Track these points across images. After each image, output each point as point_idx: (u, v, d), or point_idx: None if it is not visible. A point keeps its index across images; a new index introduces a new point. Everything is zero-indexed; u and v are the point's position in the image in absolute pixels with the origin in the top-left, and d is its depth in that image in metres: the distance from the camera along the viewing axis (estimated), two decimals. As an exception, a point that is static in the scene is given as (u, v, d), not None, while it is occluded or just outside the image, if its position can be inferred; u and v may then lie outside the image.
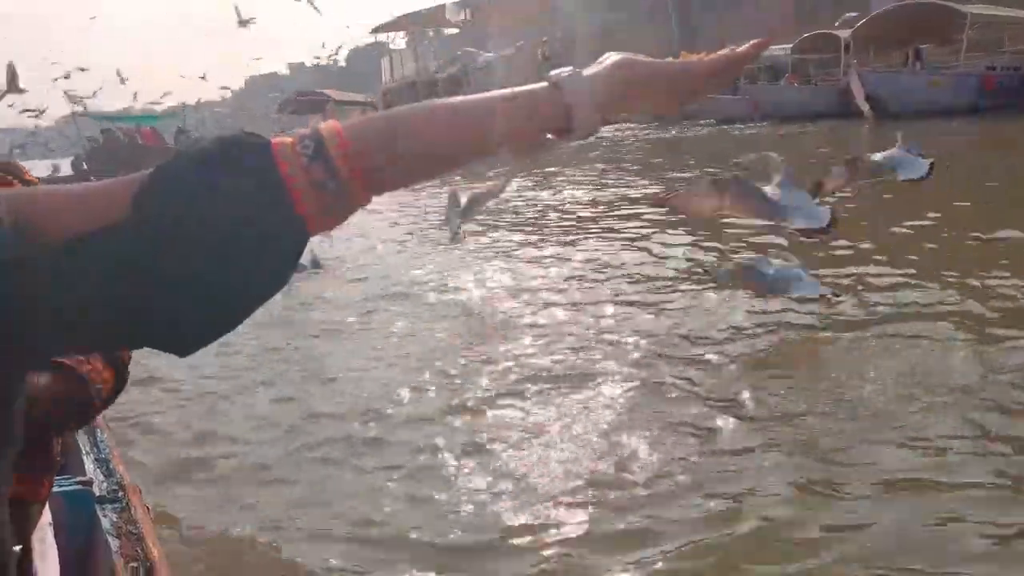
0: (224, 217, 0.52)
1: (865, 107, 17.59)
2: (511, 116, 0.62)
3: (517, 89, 0.64)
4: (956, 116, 15.53)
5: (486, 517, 2.66)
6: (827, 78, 23.25)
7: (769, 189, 3.63)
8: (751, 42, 0.71)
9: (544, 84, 0.64)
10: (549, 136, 0.65)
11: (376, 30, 31.62)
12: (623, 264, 6.14)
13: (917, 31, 19.14)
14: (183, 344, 0.56)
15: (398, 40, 33.97)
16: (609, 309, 4.99)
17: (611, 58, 0.67)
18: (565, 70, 0.65)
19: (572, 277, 5.92)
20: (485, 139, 0.62)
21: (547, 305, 5.24)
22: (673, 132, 23.47)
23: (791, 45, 23.54)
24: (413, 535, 2.58)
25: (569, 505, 2.69)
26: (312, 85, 46.44)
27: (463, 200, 5.52)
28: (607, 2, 55.75)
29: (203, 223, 0.52)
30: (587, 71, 0.66)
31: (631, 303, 5.06)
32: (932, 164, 3.86)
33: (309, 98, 31.05)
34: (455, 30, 42.91)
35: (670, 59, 0.70)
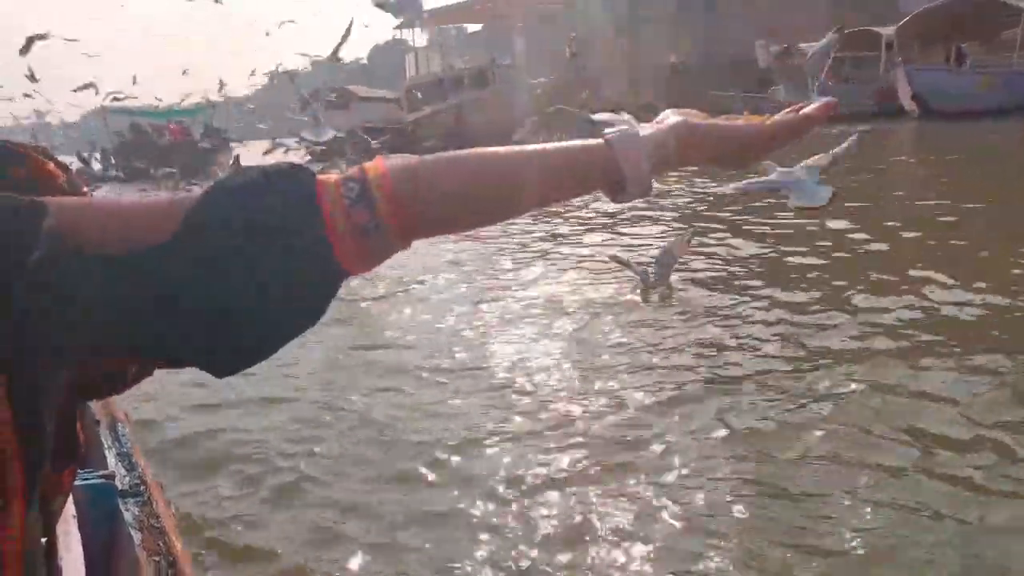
0: (264, 252, 0.52)
1: (911, 106, 16.91)
2: (561, 171, 0.62)
3: (568, 144, 0.63)
4: (1010, 116, 14.84)
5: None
6: (865, 77, 22.58)
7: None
8: (818, 103, 0.68)
9: (598, 141, 0.62)
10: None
11: (400, 26, 31.22)
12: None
13: (963, 28, 18.45)
14: (216, 369, 0.56)
15: (419, 38, 33.65)
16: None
17: (669, 118, 0.65)
18: (620, 127, 0.63)
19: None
20: (533, 191, 0.61)
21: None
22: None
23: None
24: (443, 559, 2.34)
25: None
26: (333, 82, 46.23)
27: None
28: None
29: (243, 257, 0.52)
30: (643, 130, 0.64)
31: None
32: (834, 193, 3.58)
33: (332, 95, 30.79)
34: (477, 27, 42.61)
35: (731, 117, 0.67)
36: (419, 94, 29.42)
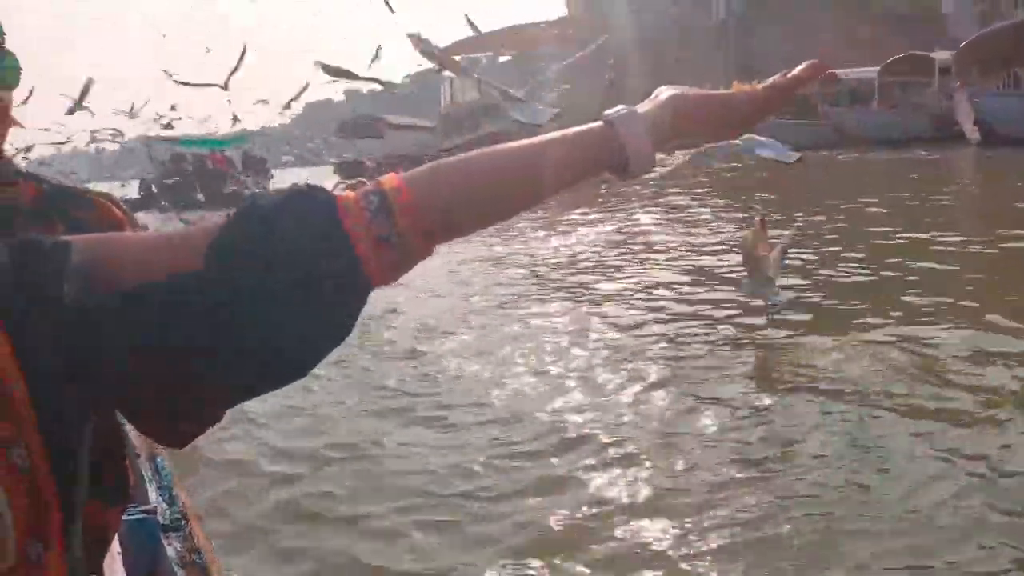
0: (290, 273, 0.54)
1: (973, 133, 16.21)
2: (568, 158, 0.63)
3: (572, 130, 0.65)
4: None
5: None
6: (918, 103, 21.91)
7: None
8: (805, 64, 0.68)
9: (599, 123, 0.64)
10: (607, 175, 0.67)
11: (435, 60, 31.05)
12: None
13: (1023, 53, 17.76)
14: (249, 393, 0.58)
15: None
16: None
17: (663, 93, 0.67)
18: (619, 108, 0.65)
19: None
20: (545, 182, 0.63)
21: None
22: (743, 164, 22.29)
23: (878, 68, 22.30)
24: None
25: None
26: (368, 111, 46.43)
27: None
28: (658, 27, 55.17)
29: (269, 278, 0.53)
30: (640, 107, 0.65)
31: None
32: (800, 157, 4.07)
33: (367, 122, 30.74)
34: (508, 56, 42.54)
35: (722, 90, 0.68)
36: (455, 122, 29.26)
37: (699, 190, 13.77)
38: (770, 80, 0.69)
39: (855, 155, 18.88)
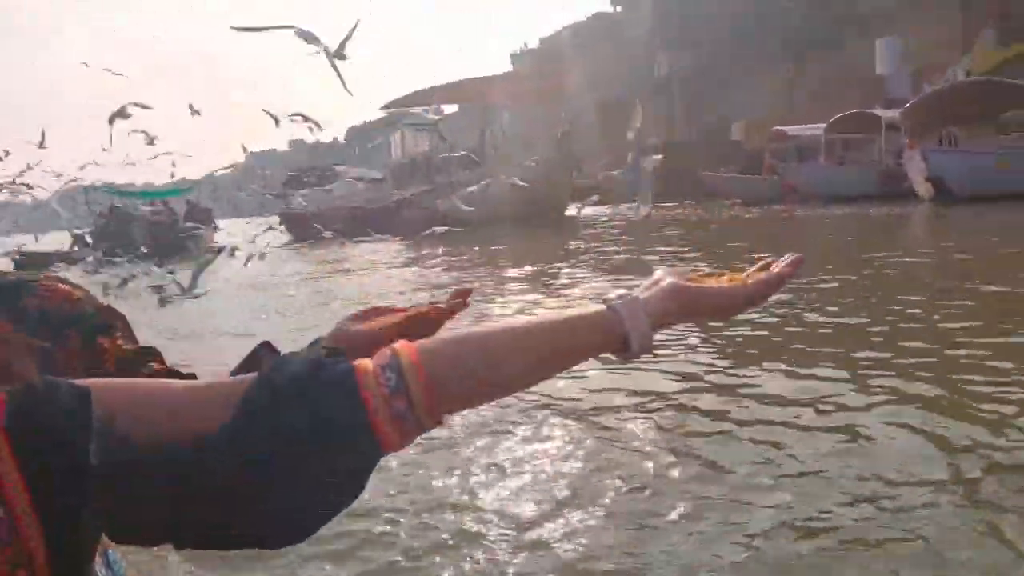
0: (309, 450, 0.56)
1: (924, 189, 16.50)
2: (576, 343, 0.68)
3: (576, 315, 0.69)
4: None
5: None
6: (862, 159, 22.45)
7: None
8: (789, 260, 0.76)
9: (602, 309, 0.69)
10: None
11: (385, 107, 30.89)
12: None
13: (965, 111, 18.35)
14: (262, 547, 0.60)
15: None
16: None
17: (662, 281, 0.73)
18: (620, 294, 0.71)
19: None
20: (553, 366, 0.67)
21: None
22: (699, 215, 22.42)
23: (823, 125, 22.84)
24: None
25: None
26: (312, 161, 45.80)
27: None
28: (611, 80, 56.37)
29: (289, 453, 0.55)
30: (641, 294, 0.71)
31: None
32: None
33: (316, 173, 30.20)
34: (454, 108, 42.75)
35: (713, 281, 0.75)
36: (405, 174, 28.88)
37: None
38: (754, 267, 0.78)
39: (808, 211, 19.07)
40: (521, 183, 22.61)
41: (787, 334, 5.27)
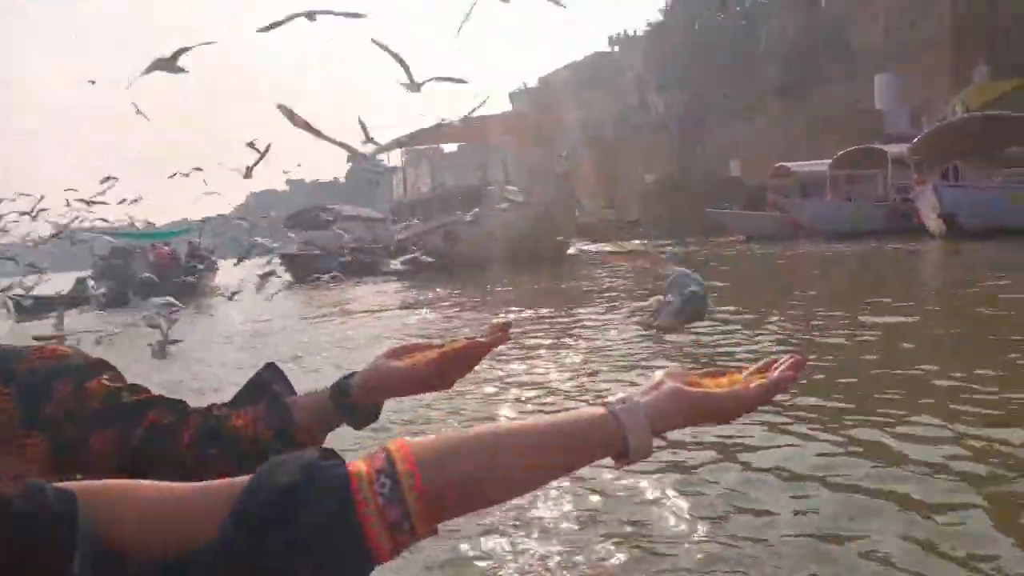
0: (301, 559, 0.55)
1: (937, 225, 16.34)
2: (574, 448, 0.67)
3: (577, 418, 0.68)
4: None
5: None
6: (867, 194, 22.41)
7: None
8: (788, 363, 0.75)
9: (601, 412, 0.68)
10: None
11: (377, 151, 30.91)
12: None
13: (970, 146, 18.34)
14: None
15: (394, 157, 33.39)
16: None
17: (663, 385, 0.72)
18: (620, 398, 0.70)
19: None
20: (551, 473, 0.66)
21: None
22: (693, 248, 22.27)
23: (828, 161, 22.83)
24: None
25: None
26: (311, 201, 45.80)
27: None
28: (609, 119, 56.80)
29: (282, 562, 0.55)
30: (641, 399, 0.70)
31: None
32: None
33: (317, 213, 30.11)
34: (454, 147, 42.88)
35: (714, 384, 0.75)
36: (407, 213, 28.79)
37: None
38: (754, 367, 0.78)
39: (814, 247, 18.92)
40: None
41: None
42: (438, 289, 16.22)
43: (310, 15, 5.53)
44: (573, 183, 26.12)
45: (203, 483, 0.59)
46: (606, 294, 12.05)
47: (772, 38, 49.72)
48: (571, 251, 27.96)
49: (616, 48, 62.80)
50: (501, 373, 6.11)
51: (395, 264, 20.53)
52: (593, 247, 31.58)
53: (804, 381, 4.96)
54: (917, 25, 41.24)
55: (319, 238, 29.16)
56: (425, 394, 0.99)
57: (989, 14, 37.37)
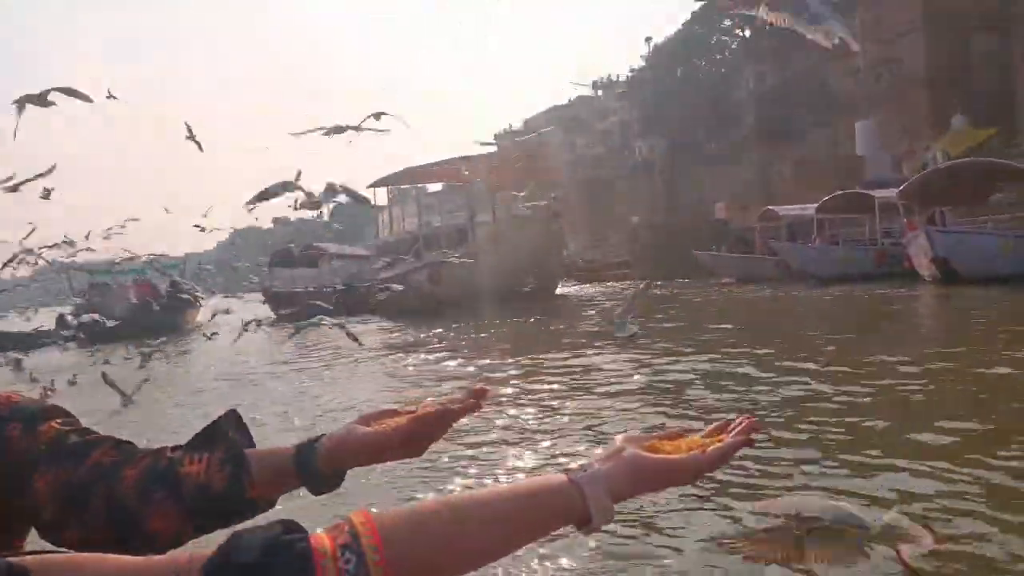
0: None
1: (929, 271, 16.34)
2: (538, 518, 0.68)
3: (541, 487, 0.69)
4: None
5: None
6: (854, 238, 22.54)
7: None
8: (743, 424, 0.79)
9: (563, 481, 0.70)
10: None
11: (373, 185, 30.88)
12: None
13: (958, 191, 18.52)
14: None
15: (379, 196, 33.26)
16: None
17: (623, 452, 0.74)
18: (582, 467, 0.72)
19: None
20: (515, 542, 0.67)
21: None
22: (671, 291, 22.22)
23: (814, 204, 22.98)
24: None
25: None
26: (295, 239, 45.40)
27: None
28: (593, 161, 57.32)
29: None
30: (602, 466, 0.72)
31: None
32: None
33: (302, 251, 29.81)
34: (438, 186, 42.91)
35: (671, 448, 0.78)
36: (393, 252, 28.54)
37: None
38: (711, 427, 0.82)
39: (807, 291, 18.88)
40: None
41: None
42: (423, 333, 15.88)
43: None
44: (561, 223, 26.05)
45: (149, 558, 0.57)
46: (599, 337, 11.81)
47: (749, 87, 50.60)
48: (559, 291, 27.83)
49: (599, 92, 63.60)
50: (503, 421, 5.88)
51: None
52: (578, 288, 31.54)
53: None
54: (894, 73, 42.21)
55: (306, 277, 28.83)
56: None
57: (963, 64, 38.33)
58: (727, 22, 55.85)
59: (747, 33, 54.10)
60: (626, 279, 32.33)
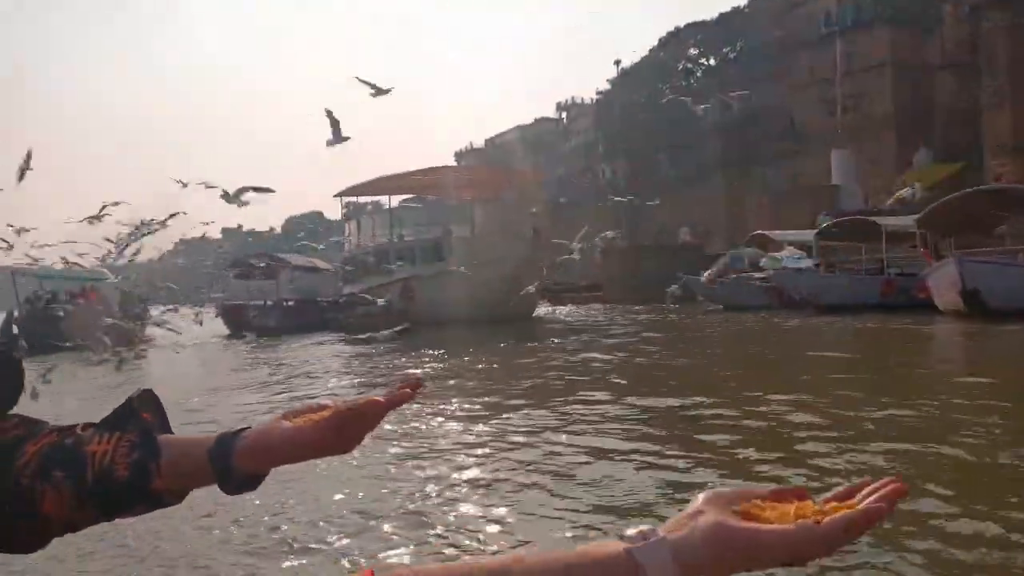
0: None
1: (953, 303, 15.38)
2: None
3: (589, 558, 0.55)
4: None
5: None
6: (854, 267, 21.78)
7: None
8: (886, 488, 0.57)
9: (618, 551, 0.55)
10: None
11: (339, 195, 29.16)
12: None
13: (968, 222, 17.86)
14: None
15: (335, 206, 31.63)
16: None
17: (703, 516, 0.56)
18: (643, 534, 0.56)
19: None
20: None
21: None
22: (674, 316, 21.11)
23: (816, 230, 22.19)
24: None
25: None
26: (247, 250, 43.13)
27: None
28: (556, 183, 56.50)
29: None
30: (671, 535, 0.56)
31: None
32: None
33: (263, 261, 27.81)
34: (398, 199, 41.29)
35: (774, 516, 0.57)
36: (360, 265, 26.76)
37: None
38: (831, 493, 0.59)
39: (806, 319, 17.92)
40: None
41: None
42: (397, 353, 14.39)
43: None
44: (544, 241, 24.62)
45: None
46: (591, 363, 10.49)
47: (714, 118, 50.57)
48: (537, 311, 26.48)
49: (563, 115, 62.99)
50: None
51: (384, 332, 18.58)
52: (550, 308, 30.28)
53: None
54: (860, 108, 42.59)
55: (263, 290, 26.85)
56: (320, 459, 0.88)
57: (926, 100, 38.90)
58: (693, 50, 55.96)
59: (712, 62, 54.28)
60: (598, 302, 31.24)
